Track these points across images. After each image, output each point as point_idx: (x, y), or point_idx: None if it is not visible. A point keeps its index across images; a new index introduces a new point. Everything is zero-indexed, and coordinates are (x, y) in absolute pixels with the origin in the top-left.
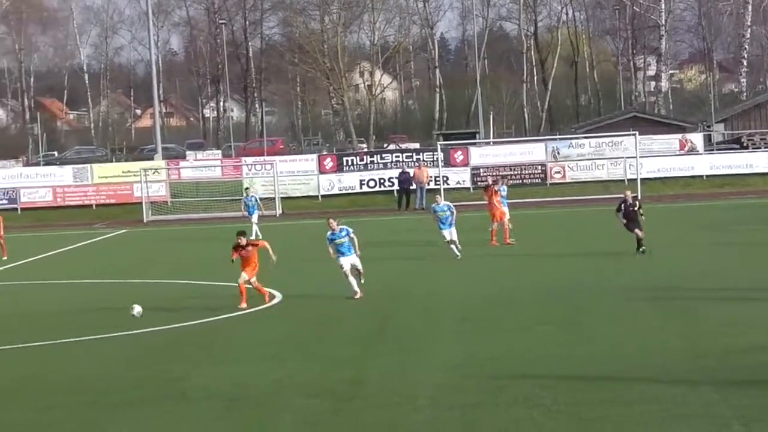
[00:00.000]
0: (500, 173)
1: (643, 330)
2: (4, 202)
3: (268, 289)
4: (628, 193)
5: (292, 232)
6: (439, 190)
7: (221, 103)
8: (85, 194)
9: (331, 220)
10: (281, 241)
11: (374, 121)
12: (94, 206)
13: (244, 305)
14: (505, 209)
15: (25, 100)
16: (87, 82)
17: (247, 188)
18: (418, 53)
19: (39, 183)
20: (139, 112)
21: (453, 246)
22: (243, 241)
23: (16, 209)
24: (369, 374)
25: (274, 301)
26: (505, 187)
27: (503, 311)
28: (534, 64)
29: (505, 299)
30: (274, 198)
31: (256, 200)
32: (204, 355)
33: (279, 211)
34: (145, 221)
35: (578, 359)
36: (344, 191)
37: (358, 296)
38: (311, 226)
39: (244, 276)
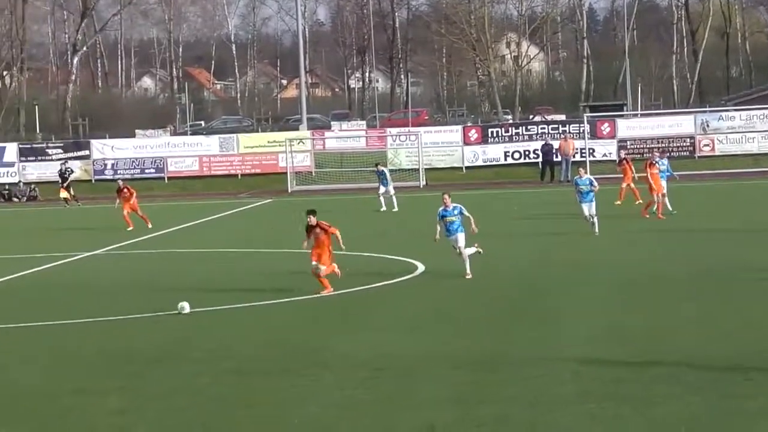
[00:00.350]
0: (648, 146)
1: None
2: (152, 171)
3: (412, 260)
4: None
5: (435, 204)
6: (584, 162)
7: (366, 74)
8: (231, 164)
9: (445, 196)
10: (424, 212)
11: (520, 93)
12: (239, 176)
13: (328, 291)
14: (664, 183)
15: (174, 70)
16: (234, 52)
17: (377, 163)
18: (566, 24)
19: (186, 152)
20: (285, 82)
21: (591, 221)
22: (313, 220)
23: (163, 178)
24: (512, 346)
25: (417, 273)
26: (666, 160)
27: (649, 285)
28: (684, 35)
29: (651, 273)
30: (418, 169)
31: (385, 173)
32: (346, 324)
33: (423, 183)
34: (289, 191)
35: (723, 337)
36: (488, 163)
37: (468, 276)
38: (454, 198)
39: (316, 265)
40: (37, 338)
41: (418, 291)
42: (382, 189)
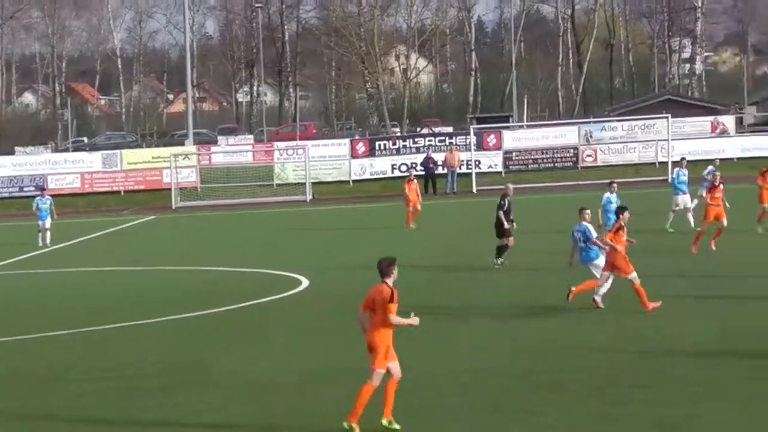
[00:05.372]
0: (532, 156)
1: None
2: (31, 188)
3: (297, 275)
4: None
5: (322, 217)
6: (470, 174)
7: (255, 88)
8: (114, 180)
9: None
10: (311, 226)
11: (408, 105)
12: (122, 192)
13: None
14: (687, 197)
15: (56, 85)
16: (120, 66)
17: (43, 188)
18: (455, 36)
19: (67, 169)
20: (171, 97)
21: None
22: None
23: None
24: (403, 359)
25: (301, 288)
26: (684, 171)
27: (540, 295)
28: (570, 47)
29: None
30: (305, 183)
31: (50, 204)
32: (235, 341)
33: (310, 197)
34: (173, 207)
35: (597, 348)
36: (376, 176)
37: None
38: (341, 211)
39: None
40: None
41: (304, 306)
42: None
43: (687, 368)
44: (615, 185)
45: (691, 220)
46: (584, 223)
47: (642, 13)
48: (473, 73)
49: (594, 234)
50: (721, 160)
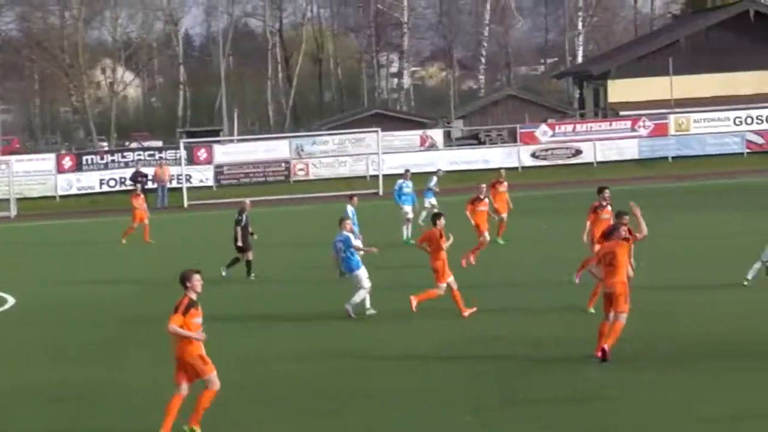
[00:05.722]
0: (244, 171)
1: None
2: None
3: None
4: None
5: (27, 234)
6: (181, 188)
7: None
8: None
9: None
10: (16, 243)
11: (116, 119)
12: None
13: None
14: (404, 205)
15: None
16: None
17: None
18: (162, 50)
19: None
20: None
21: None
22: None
23: None
24: (119, 374)
25: (7, 306)
26: (408, 183)
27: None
28: (279, 61)
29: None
30: (9, 199)
31: None
32: None
33: (14, 213)
34: None
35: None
36: (83, 191)
37: None
38: (48, 228)
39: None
40: None
41: (14, 324)
42: None
43: (411, 377)
44: (355, 199)
45: (408, 230)
46: (344, 232)
47: (349, 28)
48: (182, 86)
49: (355, 242)
50: (430, 173)
